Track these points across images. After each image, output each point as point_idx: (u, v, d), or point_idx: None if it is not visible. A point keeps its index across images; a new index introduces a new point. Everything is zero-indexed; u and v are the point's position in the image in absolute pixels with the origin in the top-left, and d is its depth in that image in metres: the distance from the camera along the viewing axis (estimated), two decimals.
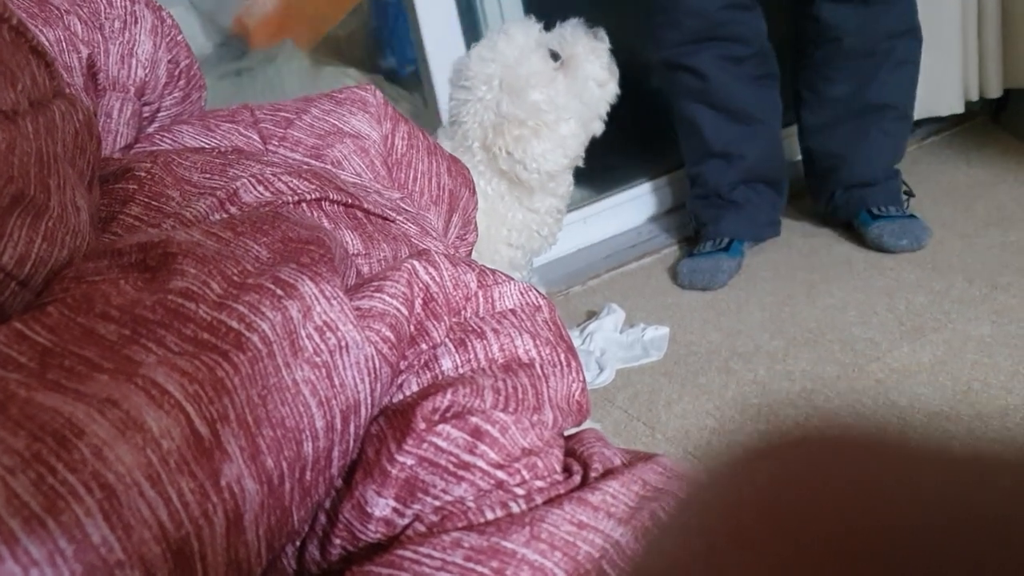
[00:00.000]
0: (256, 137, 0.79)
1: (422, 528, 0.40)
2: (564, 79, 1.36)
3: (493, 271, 0.57)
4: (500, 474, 0.42)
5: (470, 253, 0.97)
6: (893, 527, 0.13)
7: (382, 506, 0.41)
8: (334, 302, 0.42)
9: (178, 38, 0.85)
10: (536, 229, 1.42)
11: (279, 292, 0.40)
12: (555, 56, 1.37)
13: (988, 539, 0.13)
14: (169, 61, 0.82)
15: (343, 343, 0.42)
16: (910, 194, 1.94)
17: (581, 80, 1.37)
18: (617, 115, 1.45)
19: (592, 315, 1.82)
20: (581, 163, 1.44)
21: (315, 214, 0.56)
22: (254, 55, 1.97)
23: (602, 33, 1.41)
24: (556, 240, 1.49)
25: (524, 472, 0.44)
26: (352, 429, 0.41)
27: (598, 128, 1.43)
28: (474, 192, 0.98)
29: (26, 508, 0.30)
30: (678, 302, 1.83)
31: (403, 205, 0.75)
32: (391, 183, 0.82)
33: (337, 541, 0.42)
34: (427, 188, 0.88)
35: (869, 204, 1.87)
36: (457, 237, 0.93)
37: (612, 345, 1.69)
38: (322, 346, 0.41)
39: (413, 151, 0.88)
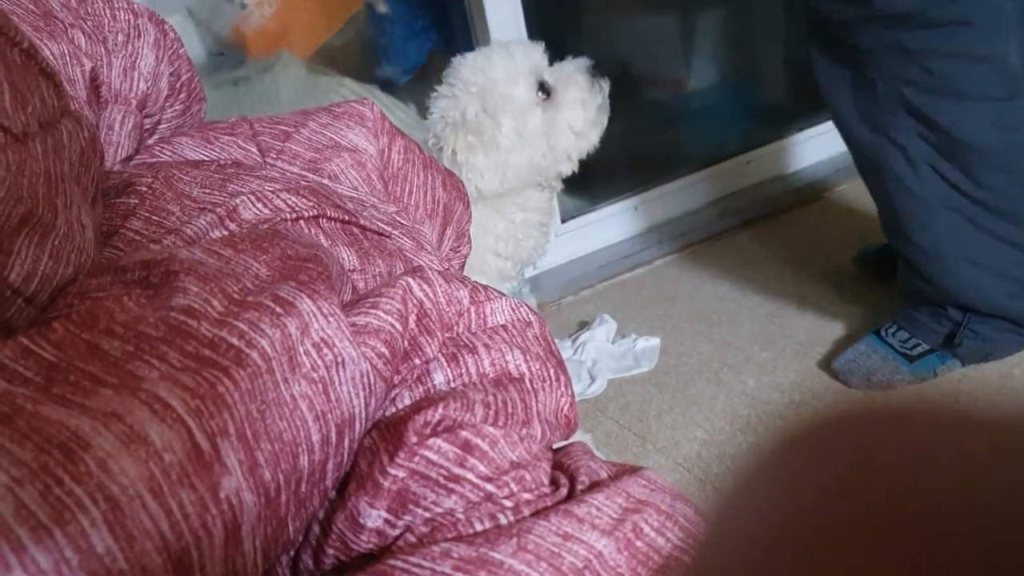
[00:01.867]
0: (255, 150, 0.81)
1: (412, 539, 0.42)
2: (541, 115, 1.34)
3: (485, 287, 0.59)
4: (489, 487, 0.44)
5: (463, 265, 0.99)
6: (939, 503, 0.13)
7: (374, 517, 0.42)
8: (331, 319, 0.43)
9: (180, 51, 0.86)
10: (520, 239, 1.42)
11: (278, 310, 0.42)
12: (545, 88, 1.36)
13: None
14: (171, 74, 0.84)
15: (339, 359, 0.43)
16: None
17: (559, 124, 1.36)
18: (612, 126, 1.45)
19: (584, 325, 1.83)
20: (559, 185, 1.43)
21: (312, 231, 0.58)
22: (251, 64, 1.98)
23: (604, 83, 1.39)
24: (545, 252, 1.49)
25: (512, 485, 0.45)
26: (347, 442, 0.43)
27: (566, 168, 1.40)
28: (468, 205, 1.00)
29: (33, 518, 0.32)
30: (669, 313, 1.85)
31: (399, 219, 0.77)
32: (387, 196, 0.84)
33: (330, 551, 0.43)
34: (422, 201, 0.90)
35: None
36: (451, 250, 0.95)
37: (604, 355, 1.71)
38: (319, 362, 0.42)
39: (409, 165, 0.89)
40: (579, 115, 1.36)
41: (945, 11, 1.23)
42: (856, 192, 2.15)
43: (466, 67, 1.35)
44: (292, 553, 0.44)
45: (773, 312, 1.77)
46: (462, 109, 1.34)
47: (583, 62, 1.38)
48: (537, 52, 1.36)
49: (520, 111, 1.32)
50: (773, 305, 1.80)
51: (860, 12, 1.27)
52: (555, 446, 0.54)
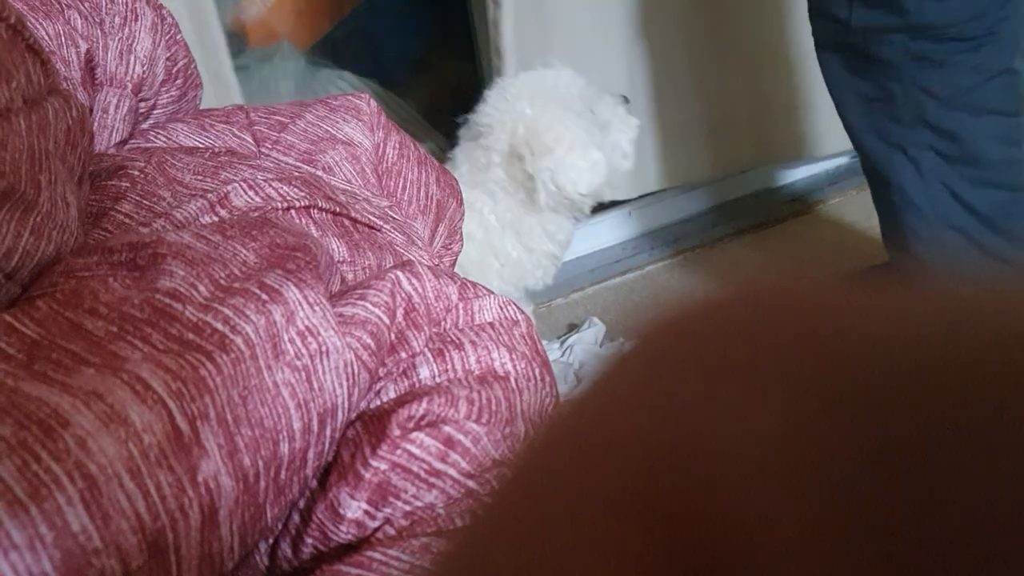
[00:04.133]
0: (250, 139, 0.81)
1: (392, 531, 0.41)
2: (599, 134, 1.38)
3: (474, 284, 0.59)
4: (470, 483, 0.44)
5: (454, 263, 0.99)
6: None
7: (354, 508, 0.42)
8: (317, 308, 0.43)
9: (177, 37, 0.86)
10: (530, 268, 1.42)
11: (264, 297, 0.42)
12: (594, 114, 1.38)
13: None
14: (167, 59, 0.83)
15: (324, 348, 0.43)
16: None
17: (609, 145, 1.38)
18: None
19: (573, 328, 1.83)
20: (586, 215, 1.44)
21: (303, 221, 0.57)
22: (251, 53, 1.98)
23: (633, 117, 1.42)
24: (550, 281, 1.49)
25: (494, 482, 0.45)
26: (328, 432, 0.43)
27: (606, 194, 1.43)
28: (461, 203, 1.00)
29: (10, 492, 0.31)
30: None
31: (391, 213, 0.77)
32: (381, 190, 0.83)
33: (309, 540, 0.43)
34: (415, 197, 0.90)
35: None
36: (443, 246, 0.95)
37: (591, 358, 1.71)
38: (303, 350, 0.42)
39: (404, 160, 0.89)
40: (626, 137, 1.41)
41: (975, 24, 1.23)
42: (849, 205, 2.16)
43: (523, 79, 1.35)
44: (271, 541, 0.44)
45: None
46: (529, 123, 1.32)
47: (613, 94, 1.41)
48: (578, 78, 1.36)
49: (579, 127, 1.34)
50: None
51: (890, 21, 1.26)
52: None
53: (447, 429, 0.44)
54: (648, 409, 0.13)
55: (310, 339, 0.42)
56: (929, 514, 0.10)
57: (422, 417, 0.45)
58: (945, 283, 0.13)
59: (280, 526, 0.44)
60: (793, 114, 2.10)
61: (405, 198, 0.88)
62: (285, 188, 0.59)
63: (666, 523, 0.11)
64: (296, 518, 0.43)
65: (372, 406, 0.47)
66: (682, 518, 0.11)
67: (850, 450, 0.11)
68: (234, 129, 0.81)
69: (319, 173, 0.77)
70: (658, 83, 1.95)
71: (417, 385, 0.49)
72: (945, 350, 0.12)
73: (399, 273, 0.51)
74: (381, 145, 0.88)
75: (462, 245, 1.02)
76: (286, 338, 0.41)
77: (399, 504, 0.42)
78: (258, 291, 0.42)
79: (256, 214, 0.53)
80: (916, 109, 1.31)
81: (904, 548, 0.10)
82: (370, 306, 0.48)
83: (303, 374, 0.41)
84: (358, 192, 0.76)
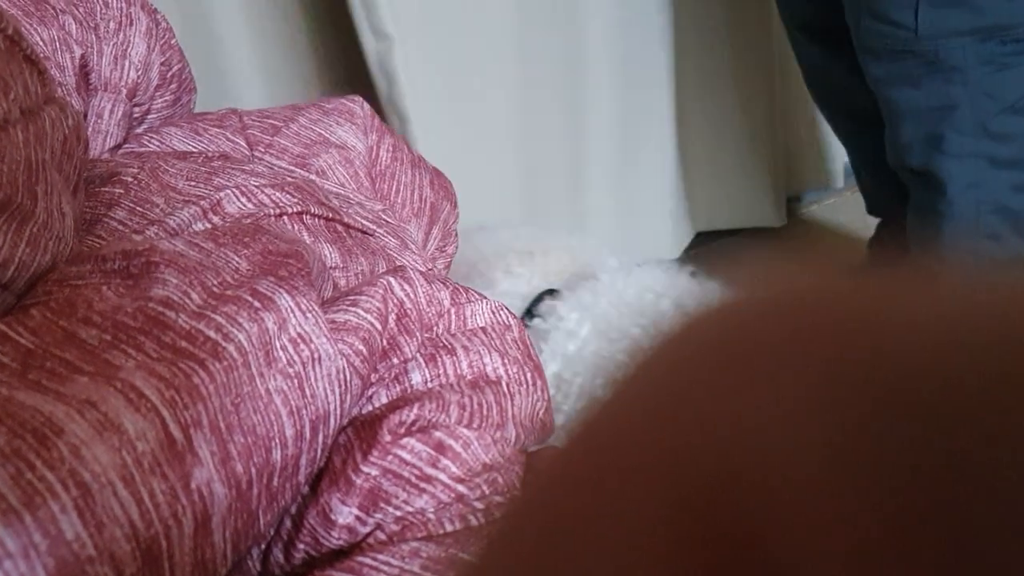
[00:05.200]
0: (243, 143, 0.81)
1: (383, 536, 0.42)
2: None
3: (466, 289, 0.59)
4: (461, 488, 0.44)
5: (449, 264, 0.99)
6: None
7: (346, 514, 0.43)
8: (309, 315, 0.44)
9: (172, 42, 0.86)
10: None
11: (256, 304, 0.42)
12: None
13: None
14: (162, 64, 0.84)
15: (316, 355, 0.43)
16: None
17: None
18: None
19: None
20: None
21: (296, 227, 0.58)
22: None
23: None
24: None
25: (485, 487, 0.46)
26: (320, 438, 0.43)
27: None
28: (455, 205, 1.00)
29: (4, 501, 0.32)
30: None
31: (385, 217, 0.77)
32: (374, 194, 0.84)
33: (301, 546, 0.43)
34: (409, 200, 0.90)
35: None
36: (437, 249, 0.95)
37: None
38: (295, 357, 0.42)
39: (397, 163, 0.90)
40: None
41: None
42: (844, 206, 2.16)
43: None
44: (263, 547, 0.44)
45: None
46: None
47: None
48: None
49: None
50: None
51: (961, 23, 1.21)
52: (530, 450, 0.54)
53: (438, 434, 0.45)
54: (687, 422, 0.12)
55: (302, 346, 0.43)
56: (998, 531, 0.10)
57: (413, 423, 0.45)
58: (986, 283, 0.13)
59: (272, 532, 0.44)
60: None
61: (399, 201, 0.88)
62: (278, 194, 0.59)
63: (716, 545, 0.11)
64: (288, 524, 0.44)
65: (364, 412, 0.47)
66: (734, 540, 0.11)
67: (908, 464, 0.11)
68: (227, 133, 0.81)
69: (312, 177, 0.77)
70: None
71: (409, 390, 0.49)
72: (1007, 359, 0.11)
73: (391, 279, 0.51)
74: (375, 148, 0.88)
75: (457, 246, 1.02)
76: (278, 345, 0.42)
77: (390, 510, 0.43)
78: (251, 298, 0.42)
79: (249, 221, 0.53)
80: (979, 116, 1.28)
81: (969, 568, 0.10)
82: (362, 312, 0.48)
83: (295, 381, 0.42)
84: (352, 196, 0.76)
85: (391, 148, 0.89)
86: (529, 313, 1.02)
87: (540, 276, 1.07)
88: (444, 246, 0.99)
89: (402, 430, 0.45)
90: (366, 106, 0.90)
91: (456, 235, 1.02)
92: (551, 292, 1.02)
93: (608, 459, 0.13)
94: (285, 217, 0.57)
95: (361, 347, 0.46)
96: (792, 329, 0.13)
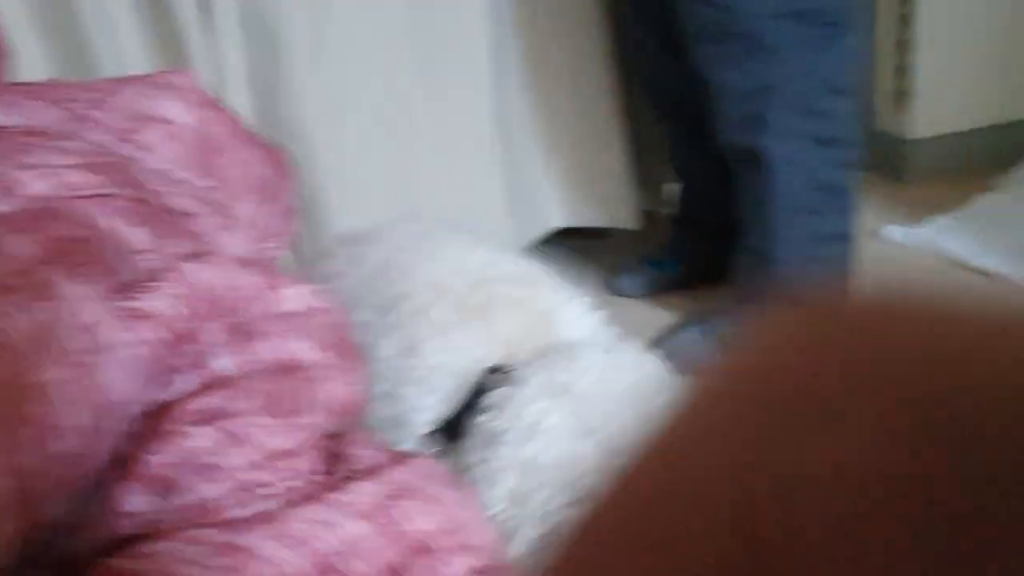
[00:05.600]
0: (64, 116, 0.78)
1: (171, 523, 0.42)
2: None
3: (283, 274, 0.59)
4: (255, 474, 0.45)
5: (287, 242, 0.98)
6: None
7: (135, 502, 0.43)
8: (99, 303, 0.43)
9: None
10: None
11: (43, 292, 0.42)
12: None
13: None
14: None
15: (107, 343, 0.43)
16: None
17: None
18: None
19: None
20: None
21: (99, 210, 0.57)
22: None
23: None
24: None
25: (284, 472, 0.47)
26: (109, 427, 0.43)
27: None
28: (291, 180, 0.99)
29: None
30: None
31: (210, 195, 0.76)
32: (203, 170, 0.82)
33: (91, 533, 0.43)
34: (242, 176, 0.89)
35: None
36: (270, 226, 0.94)
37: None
38: (83, 346, 0.42)
39: (229, 139, 0.88)
40: None
41: (849, 8, 1.33)
42: None
43: None
44: (51, 535, 0.44)
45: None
46: None
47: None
48: None
49: None
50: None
51: (779, 5, 1.29)
52: (337, 434, 0.55)
53: (230, 423, 0.45)
54: (752, 446, 0.12)
55: (91, 334, 0.43)
56: None
57: (208, 410, 0.46)
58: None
59: (60, 520, 0.44)
60: None
61: (230, 177, 0.87)
62: (85, 176, 0.58)
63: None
64: (77, 512, 0.44)
65: (161, 398, 0.47)
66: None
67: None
68: (48, 105, 0.78)
69: (136, 153, 0.75)
70: None
71: (208, 377, 0.49)
72: None
73: (195, 263, 0.51)
74: (205, 123, 0.86)
75: (297, 224, 1.01)
76: (65, 334, 0.42)
77: (180, 497, 0.43)
78: (36, 286, 0.42)
79: (42, 204, 0.52)
80: (801, 96, 1.35)
81: None
82: (161, 297, 0.48)
83: (83, 370, 0.42)
84: (174, 173, 0.75)
85: (222, 123, 0.88)
86: (472, 404, 0.74)
87: (485, 344, 0.79)
88: (282, 224, 0.98)
89: (196, 418, 0.45)
90: (196, 79, 0.88)
91: (295, 213, 1.01)
92: (502, 370, 0.76)
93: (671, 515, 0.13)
94: (88, 199, 0.56)
95: (158, 333, 0.46)
96: (857, 377, 0.12)
